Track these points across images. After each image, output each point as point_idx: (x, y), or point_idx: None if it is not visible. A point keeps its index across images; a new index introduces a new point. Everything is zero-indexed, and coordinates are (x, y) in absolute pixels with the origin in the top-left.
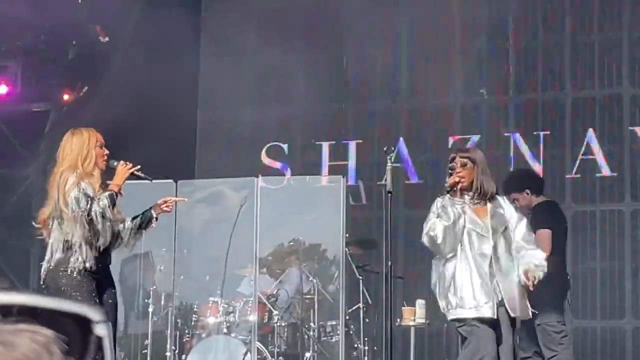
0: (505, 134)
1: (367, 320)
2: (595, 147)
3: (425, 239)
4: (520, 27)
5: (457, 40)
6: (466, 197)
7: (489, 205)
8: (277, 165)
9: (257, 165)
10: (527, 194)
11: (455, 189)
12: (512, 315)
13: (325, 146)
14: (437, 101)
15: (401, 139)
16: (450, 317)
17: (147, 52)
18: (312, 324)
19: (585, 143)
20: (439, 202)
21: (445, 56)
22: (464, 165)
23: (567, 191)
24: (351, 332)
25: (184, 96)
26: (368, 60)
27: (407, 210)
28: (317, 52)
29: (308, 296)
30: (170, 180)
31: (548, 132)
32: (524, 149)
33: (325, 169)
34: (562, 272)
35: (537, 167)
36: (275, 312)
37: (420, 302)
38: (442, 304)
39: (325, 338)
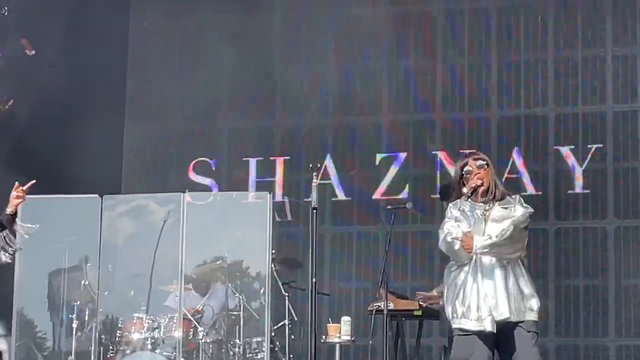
0: (432, 152)
1: (292, 336)
2: (521, 166)
3: (442, 245)
4: (447, 46)
5: (385, 58)
6: (481, 202)
7: (496, 206)
8: (204, 181)
9: (184, 181)
10: None
11: (477, 191)
12: (498, 318)
13: (253, 162)
14: (365, 118)
15: (328, 155)
16: (454, 325)
17: (73, 66)
18: (237, 340)
19: (510, 162)
20: (452, 208)
21: (373, 73)
22: (481, 167)
23: None
24: (276, 349)
25: (111, 110)
26: (296, 76)
27: (333, 227)
28: (245, 68)
29: (234, 312)
30: (96, 195)
31: (474, 151)
32: (450, 166)
33: (252, 185)
34: None
35: None
36: (200, 329)
37: (345, 319)
38: (448, 310)
39: (250, 354)
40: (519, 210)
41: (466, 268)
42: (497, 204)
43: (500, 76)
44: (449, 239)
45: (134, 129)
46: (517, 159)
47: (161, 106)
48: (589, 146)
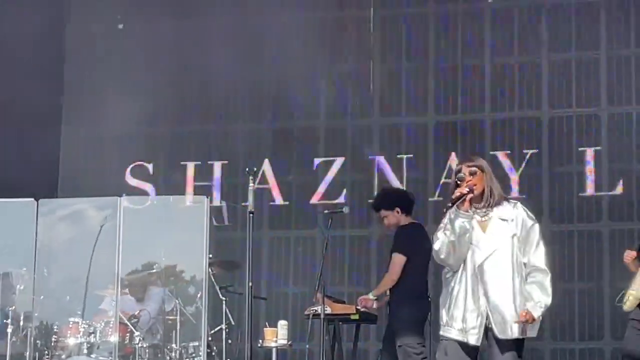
0: (369, 157)
1: (229, 341)
2: None
3: (433, 253)
4: (385, 52)
5: (324, 63)
6: (475, 209)
7: (494, 214)
8: (142, 184)
9: (121, 185)
10: (397, 212)
11: (464, 199)
12: (500, 337)
13: (190, 166)
14: (302, 123)
15: (266, 160)
16: (440, 332)
17: (9, 68)
18: (174, 345)
19: (447, 166)
20: (448, 214)
21: (310, 78)
22: (473, 174)
23: (430, 214)
24: (213, 353)
25: (48, 113)
26: (233, 80)
27: (271, 232)
28: (182, 71)
29: (170, 317)
30: (31, 199)
31: (411, 156)
32: (388, 171)
33: (190, 190)
34: (423, 294)
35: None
36: (136, 333)
37: (282, 323)
38: (440, 315)
39: (187, 359)
40: (533, 234)
41: (458, 276)
42: (495, 212)
43: (437, 81)
44: (436, 247)
45: (70, 132)
46: (454, 164)
47: (98, 109)
48: (525, 151)
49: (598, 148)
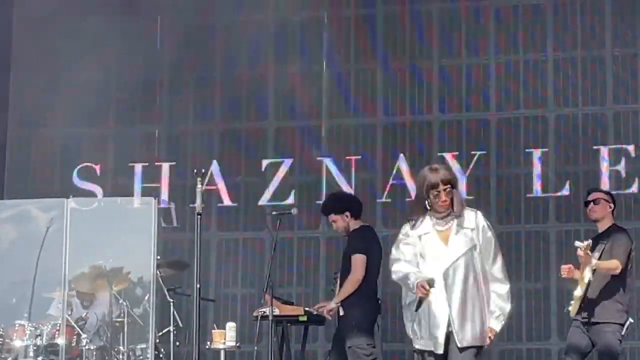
0: (318, 158)
1: (177, 343)
2: (406, 172)
3: (394, 275)
4: (334, 52)
5: (271, 64)
6: (437, 219)
7: (454, 224)
8: (89, 186)
9: (68, 186)
10: (347, 216)
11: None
12: (459, 345)
13: (138, 168)
14: (251, 124)
15: (215, 161)
16: (413, 344)
17: None
18: (121, 347)
19: (396, 168)
20: (404, 229)
21: (259, 79)
22: (446, 187)
23: (378, 215)
24: (161, 356)
25: None
26: (182, 81)
27: (219, 233)
28: (130, 73)
29: (118, 319)
30: None
31: (359, 157)
32: (336, 173)
33: (137, 191)
34: (373, 295)
35: (349, 192)
36: (84, 336)
37: (230, 325)
38: (407, 328)
39: None
40: (492, 245)
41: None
42: (455, 221)
43: (385, 83)
44: (391, 267)
45: (16, 133)
46: (402, 165)
47: (45, 110)
48: (473, 152)
49: (545, 149)
